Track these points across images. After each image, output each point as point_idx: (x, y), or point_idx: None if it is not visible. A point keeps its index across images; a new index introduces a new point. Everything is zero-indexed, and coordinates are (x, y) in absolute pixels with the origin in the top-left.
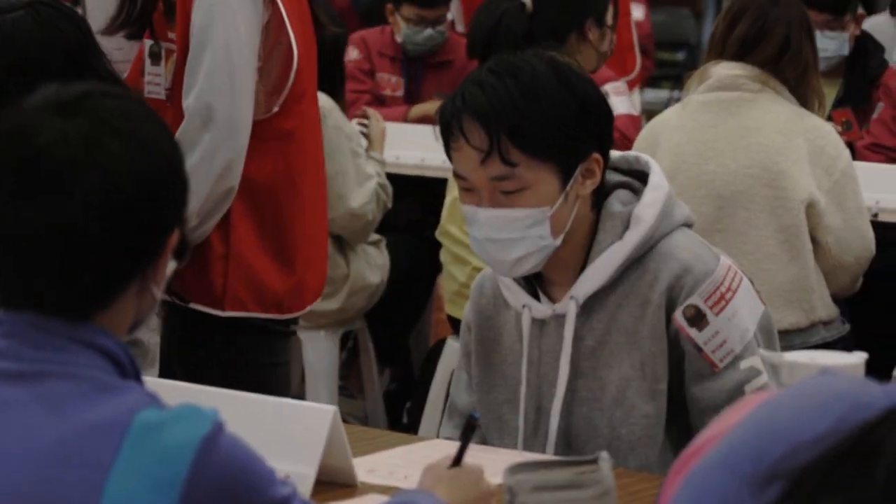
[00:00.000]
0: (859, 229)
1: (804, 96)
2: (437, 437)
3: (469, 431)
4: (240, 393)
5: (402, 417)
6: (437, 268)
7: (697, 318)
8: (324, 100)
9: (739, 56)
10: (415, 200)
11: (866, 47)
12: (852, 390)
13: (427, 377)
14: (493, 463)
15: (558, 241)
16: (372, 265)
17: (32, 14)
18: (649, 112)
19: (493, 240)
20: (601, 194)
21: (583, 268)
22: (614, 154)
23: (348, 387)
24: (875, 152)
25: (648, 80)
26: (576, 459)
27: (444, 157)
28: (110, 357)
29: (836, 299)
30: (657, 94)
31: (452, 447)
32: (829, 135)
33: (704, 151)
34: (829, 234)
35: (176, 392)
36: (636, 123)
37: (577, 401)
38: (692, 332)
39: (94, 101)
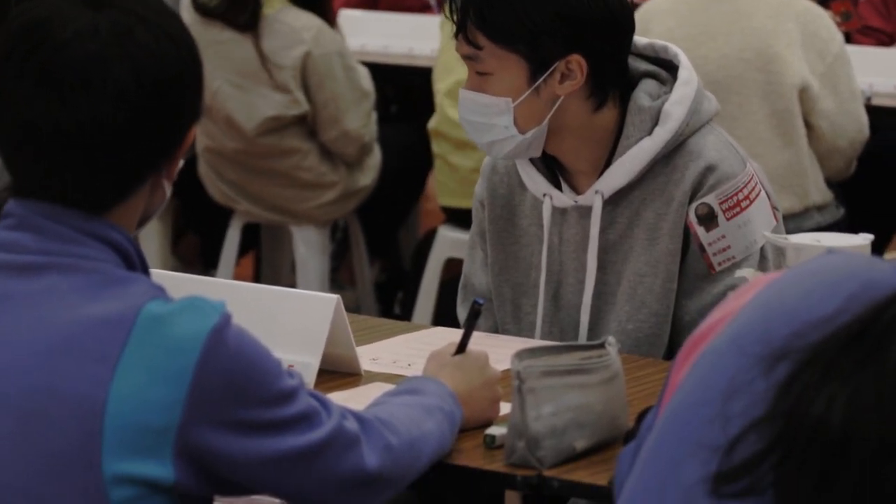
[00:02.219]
0: (853, 113)
1: None
2: (433, 325)
3: (473, 318)
4: (242, 283)
5: (394, 308)
6: (428, 158)
7: (708, 218)
8: (307, 19)
9: None
10: (401, 90)
11: None
12: (862, 268)
13: (418, 268)
14: (496, 349)
15: (528, 135)
16: (364, 168)
17: None
18: None
19: (468, 121)
20: (627, 85)
21: (609, 161)
22: (640, 41)
23: (338, 279)
24: (865, 35)
25: None
26: (583, 344)
27: (432, 46)
28: (120, 250)
29: (830, 183)
30: None
31: (454, 334)
32: (820, 18)
33: (697, 36)
34: (822, 118)
35: (179, 284)
36: None
37: (599, 294)
38: (699, 230)
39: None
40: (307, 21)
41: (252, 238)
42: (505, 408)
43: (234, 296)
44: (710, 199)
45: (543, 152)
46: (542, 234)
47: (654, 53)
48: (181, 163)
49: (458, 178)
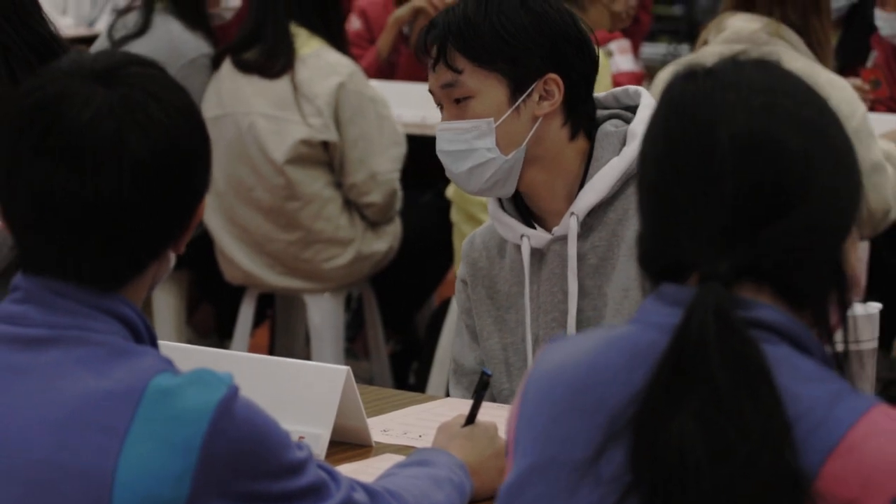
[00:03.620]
0: (875, 185)
1: (809, 43)
2: (447, 395)
3: (482, 389)
4: (253, 355)
5: (409, 378)
6: (448, 233)
7: None
8: (342, 61)
9: (746, 6)
10: (420, 160)
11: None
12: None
13: (433, 337)
14: (504, 419)
15: (510, 157)
16: (381, 233)
17: None
18: (648, 67)
19: (445, 152)
20: (593, 127)
21: (580, 191)
22: (600, 94)
23: (353, 349)
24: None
25: (646, 35)
26: None
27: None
28: (128, 323)
29: None
30: (654, 49)
31: (465, 405)
32: (843, 90)
33: None
34: None
35: (189, 356)
36: (639, 81)
37: (582, 321)
38: None
39: (130, 69)
40: (345, 61)
41: (266, 309)
42: None
43: (244, 368)
44: None
45: (516, 195)
46: (517, 290)
47: (616, 102)
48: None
49: None
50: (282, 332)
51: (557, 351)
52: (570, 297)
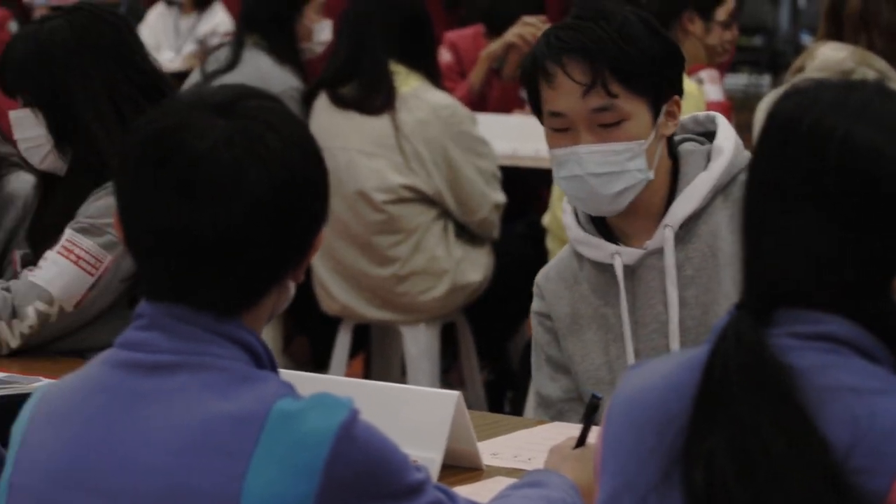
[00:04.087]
0: None
1: None
2: None
3: (592, 411)
4: (365, 381)
5: (504, 407)
6: (539, 263)
7: None
8: (443, 101)
9: (835, 34)
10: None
11: None
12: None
13: (527, 366)
14: None
15: (652, 174)
16: (474, 263)
17: (68, 21)
18: (730, 97)
19: (595, 174)
20: (673, 145)
21: (668, 205)
22: (683, 117)
23: (448, 379)
24: None
25: (728, 66)
26: None
27: (536, 146)
28: (250, 350)
29: None
30: (736, 80)
31: (572, 430)
32: None
33: None
34: None
35: (302, 382)
36: (727, 111)
37: (684, 330)
38: None
39: (249, 102)
40: (447, 100)
41: (362, 339)
42: None
43: (356, 393)
44: None
45: (605, 224)
46: (607, 311)
47: (693, 126)
48: None
49: None
50: (377, 362)
51: (639, 374)
52: (671, 307)
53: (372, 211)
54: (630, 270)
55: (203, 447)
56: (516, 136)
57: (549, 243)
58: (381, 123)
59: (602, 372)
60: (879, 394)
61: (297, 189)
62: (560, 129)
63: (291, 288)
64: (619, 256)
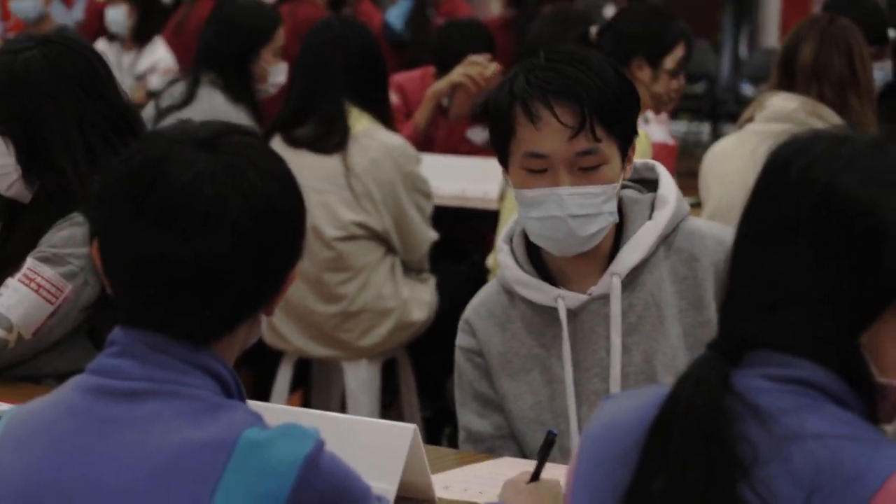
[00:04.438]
0: None
1: (848, 121)
2: None
3: (547, 447)
4: (323, 413)
5: (441, 443)
6: None
7: None
8: (393, 141)
9: (787, 85)
10: (456, 231)
11: None
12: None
13: None
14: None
15: (617, 218)
16: (419, 302)
17: (43, 52)
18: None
19: (575, 216)
20: None
21: (613, 252)
22: None
23: (389, 416)
24: None
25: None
26: None
27: (485, 187)
28: (220, 379)
29: None
30: (676, 127)
31: (521, 464)
32: None
33: (749, 181)
34: None
35: (264, 412)
36: (672, 153)
37: (625, 376)
38: None
39: (231, 137)
40: (397, 140)
41: (303, 372)
42: None
43: (315, 423)
44: None
45: (536, 258)
46: (542, 352)
47: (631, 174)
48: None
49: None
50: (318, 395)
51: (613, 407)
52: (614, 353)
53: (322, 247)
54: (572, 314)
55: (172, 473)
56: (464, 177)
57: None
58: (332, 162)
59: (537, 411)
60: (847, 439)
61: (275, 222)
62: (536, 171)
63: (263, 322)
64: (563, 300)
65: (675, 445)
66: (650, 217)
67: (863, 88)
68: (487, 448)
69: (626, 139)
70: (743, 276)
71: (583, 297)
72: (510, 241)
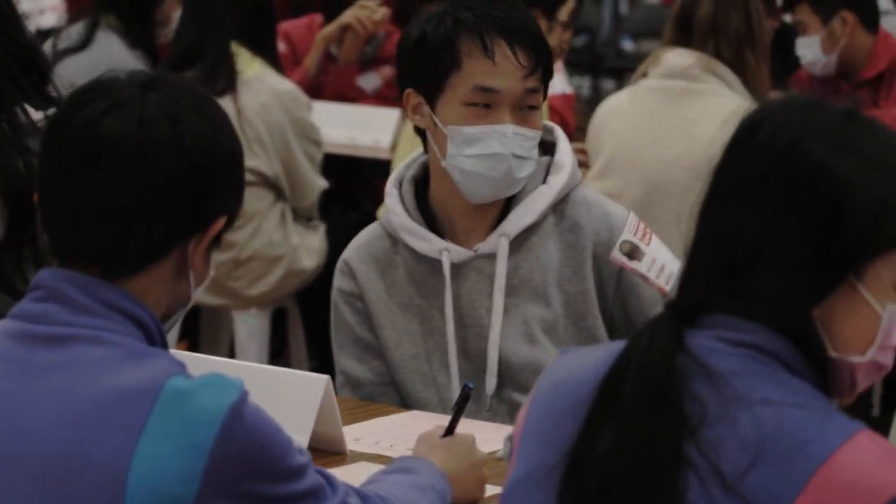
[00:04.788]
0: None
1: (743, 77)
2: None
3: (463, 401)
4: (235, 361)
5: None
6: None
7: (634, 251)
8: (285, 86)
9: (683, 41)
10: (347, 180)
11: (787, 39)
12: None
13: None
14: (479, 433)
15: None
16: (309, 249)
17: None
18: None
19: (516, 156)
20: None
21: (503, 213)
22: None
23: (276, 365)
24: None
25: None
26: None
27: (376, 136)
28: (142, 325)
29: None
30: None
31: (430, 417)
32: None
33: (641, 137)
34: None
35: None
36: (571, 103)
37: (503, 336)
38: (634, 264)
39: (172, 79)
40: (288, 86)
41: (190, 320)
42: (490, 489)
43: (223, 372)
44: (626, 235)
45: (425, 208)
46: (423, 303)
47: None
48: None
49: None
50: (205, 344)
51: (568, 360)
52: (495, 315)
53: None
54: (455, 269)
55: (95, 420)
56: (355, 125)
57: None
58: (223, 106)
59: (417, 362)
60: (796, 408)
61: (206, 164)
62: (482, 105)
63: (191, 285)
64: (448, 253)
65: (624, 401)
66: (544, 181)
67: (758, 46)
68: (367, 394)
69: (546, 93)
70: (704, 237)
71: (468, 253)
72: (399, 186)
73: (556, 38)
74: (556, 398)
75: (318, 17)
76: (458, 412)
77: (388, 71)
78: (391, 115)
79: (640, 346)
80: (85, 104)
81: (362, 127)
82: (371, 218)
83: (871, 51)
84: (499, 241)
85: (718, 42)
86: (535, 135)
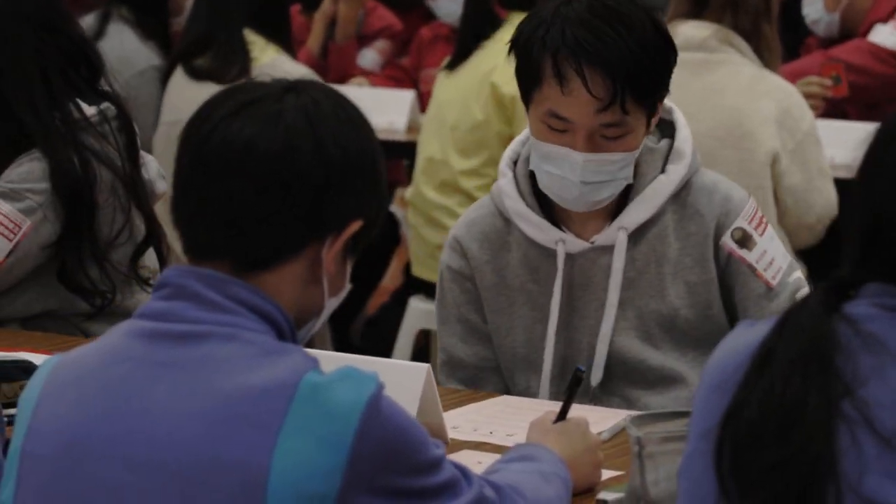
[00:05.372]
0: (821, 190)
1: (758, 48)
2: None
3: (575, 385)
4: (334, 353)
5: None
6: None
7: (746, 240)
8: (300, 71)
9: (696, 13)
10: None
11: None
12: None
13: (371, 342)
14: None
15: (632, 178)
16: None
17: None
18: None
19: (588, 182)
20: None
21: (622, 202)
22: None
23: None
24: None
25: None
26: (685, 411)
27: (390, 118)
28: (272, 322)
29: (801, 257)
30: None
31: (525, 403)
32: (793, 95)
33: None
34: (789, 194)
35: None
36: None
37: (616, 331)
38: (743, 252)
39: (312, 83)
40: (303, 70)
41: None
42: (606, 473)
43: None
44: (740, 222)
45: (540, 195)
46: (535, 288)
47: None
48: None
49: (429, 252)
50: None
51: (736, 335)
52: (609, 307)
53: None
54: (570, 258)
55: (231, 419)
56: (369, 107)
57: (412, 218)
58: None
59: (527, 349)
60: None
61: (341, 166)
62: (558, 130)
63: (324, 292)
64: (563, 244)
65: (776, 363)
66: (663, 170)
67: (773, 17)
68: (468, 377)
69: (656, 103)
70: (850, 214)
71: (584, 245)
72: (513, 166)
73: None
74: (721, 369)
75: (296, 7)
76: (569, 396)
77: (381, 45)
78: (406, 96)
79: (795, 313)
80: (222, 104)
81: (377, 109)
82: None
83: (869, 8)
84: (617, 235)
85: (737, 14)
86: (622, 157)
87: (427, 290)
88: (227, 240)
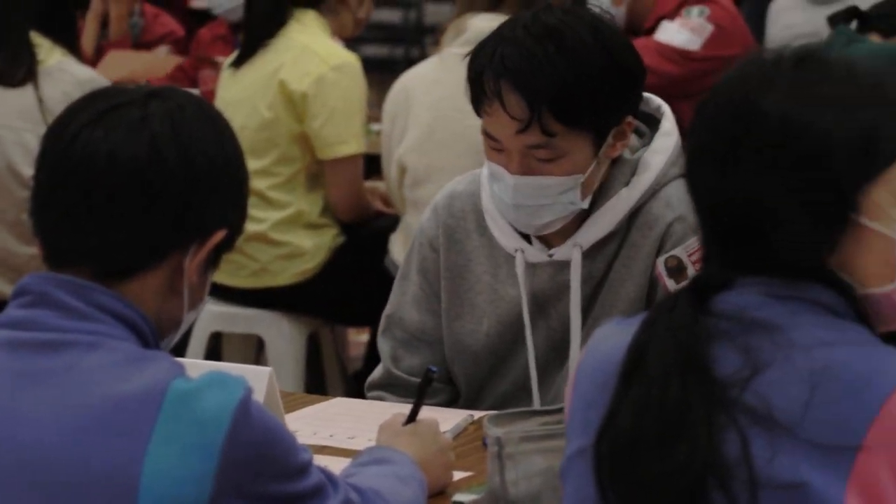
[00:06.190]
0: None
1: None
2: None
3: (426, 385)
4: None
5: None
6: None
7: (677, 270)
8: (87, 74)
9: (492, 6)
10: None
11: None
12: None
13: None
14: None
15: (586, 204)
16: None
17: None
18: None
19: (521, 206)
20: None
21: (587, 213)
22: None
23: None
24: None
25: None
26: (544, 409)
27: None
28: (135, 328)
29: None
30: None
31: (353, 404)
32: None
33: (465, 106)
34: None
35: None
36: None
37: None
38: (669, 282)
39: (176, 89)
40: (89, 73)
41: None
42: (457, 474)
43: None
44: (679, 251)
45: None
46: (495, 283)
47: (642, 105)
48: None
49: None
50: None
51: (605, 335)
52: (574, 330)
53: (20, 187)
54: (531, 267)
55: (99, 428)
56: None
57: None
58: (24, 97)
59: (474, 338)
60: (850, 344)
61: (205, 168)
62: (495, 149)
63: (183, 302)
64: (522, 254)
65: (651, 367)
66: (628, 182)
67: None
68: (404, 339)
69: (603, 125)
70: (704, 206)
71: (542, 257)
72: None
73: (365, 10)
74: (600, 373)
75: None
76: (420, 397)
77: (164, 50)
78: None
79: (664, 314)
80: (83, 110)
81: None
82: None
83: (654, 3)
84: (572, 251)
85: (532, 8)
86: (558, 182)
87: (219, 292)
88: (88, 247)
